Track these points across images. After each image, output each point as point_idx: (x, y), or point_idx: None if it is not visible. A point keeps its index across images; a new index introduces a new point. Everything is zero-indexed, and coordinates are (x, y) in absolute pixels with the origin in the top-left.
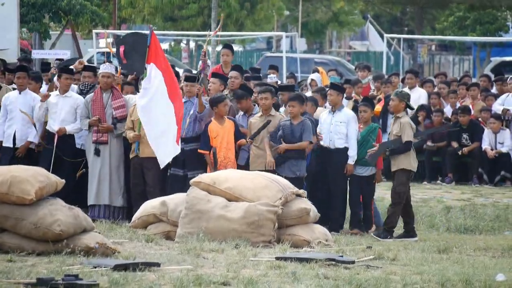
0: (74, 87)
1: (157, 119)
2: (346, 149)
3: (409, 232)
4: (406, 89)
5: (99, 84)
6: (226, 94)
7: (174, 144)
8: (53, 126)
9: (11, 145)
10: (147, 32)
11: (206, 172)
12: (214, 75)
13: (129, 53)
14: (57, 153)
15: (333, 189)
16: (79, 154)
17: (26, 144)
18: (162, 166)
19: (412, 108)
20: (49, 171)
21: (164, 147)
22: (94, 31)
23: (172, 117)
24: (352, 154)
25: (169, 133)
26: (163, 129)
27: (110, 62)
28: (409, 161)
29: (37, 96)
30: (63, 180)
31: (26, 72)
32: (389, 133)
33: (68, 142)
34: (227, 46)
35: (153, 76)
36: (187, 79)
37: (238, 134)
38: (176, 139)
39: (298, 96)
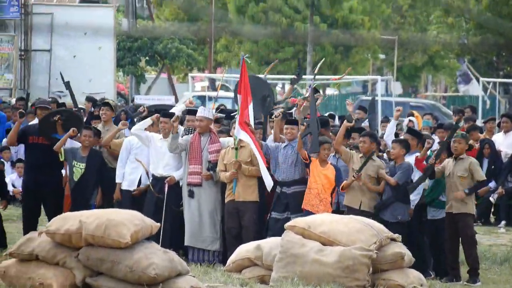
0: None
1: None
2: None
3: (456, 276)
4: (501, 134)
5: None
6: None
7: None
8: (158, 170)
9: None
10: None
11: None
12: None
13: None
14: (167, 202)
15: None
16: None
17: (146, 188)
18: (269, 188)
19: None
20: (155, 218)
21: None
22: (190, 74)
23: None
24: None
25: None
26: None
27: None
28: (473, 205)
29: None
30: (158, 224)
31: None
32: (448, 175)
33: (174, 190)
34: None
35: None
36: (289, 122)
37: (339, 179)
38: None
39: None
